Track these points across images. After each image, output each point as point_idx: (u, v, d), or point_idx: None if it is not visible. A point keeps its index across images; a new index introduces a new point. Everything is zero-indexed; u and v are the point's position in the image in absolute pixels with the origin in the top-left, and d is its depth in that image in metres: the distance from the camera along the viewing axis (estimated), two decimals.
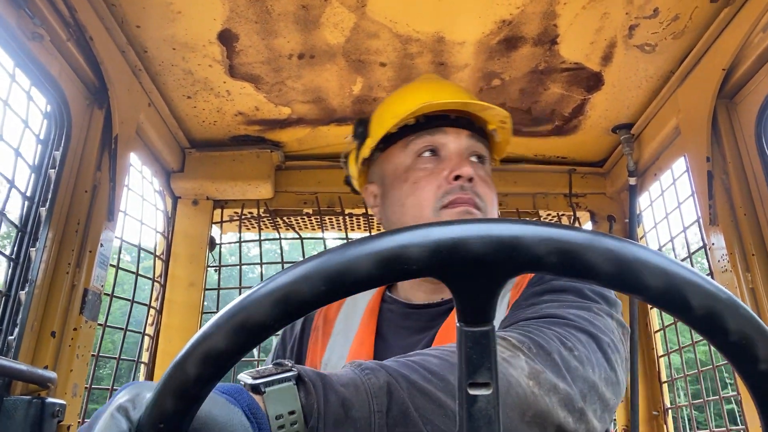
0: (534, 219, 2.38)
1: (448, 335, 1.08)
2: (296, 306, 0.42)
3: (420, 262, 0.41)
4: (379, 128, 1.30)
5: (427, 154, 1.22)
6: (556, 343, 0.82)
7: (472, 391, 0.44)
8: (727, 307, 0.41)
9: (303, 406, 0.56)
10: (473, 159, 1.24)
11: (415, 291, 1.26)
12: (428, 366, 0.68)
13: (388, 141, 1.28)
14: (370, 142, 1.31)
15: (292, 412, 0.55)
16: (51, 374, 1.43)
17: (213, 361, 0.43)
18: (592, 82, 1.98)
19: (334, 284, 0.42)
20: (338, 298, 0.42)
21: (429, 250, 0.41)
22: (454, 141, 1.22)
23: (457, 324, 0.45)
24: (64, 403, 1.43)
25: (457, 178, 1.16)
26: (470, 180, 1.16)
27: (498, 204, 2.47)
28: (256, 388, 0.59)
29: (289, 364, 0.63)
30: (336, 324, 1.28)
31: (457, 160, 1.19)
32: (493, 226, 0.41)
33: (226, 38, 1.76)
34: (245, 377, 0.62)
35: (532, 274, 1.06)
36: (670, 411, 2.20)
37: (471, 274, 0.42)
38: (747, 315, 0.42)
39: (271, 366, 0.64)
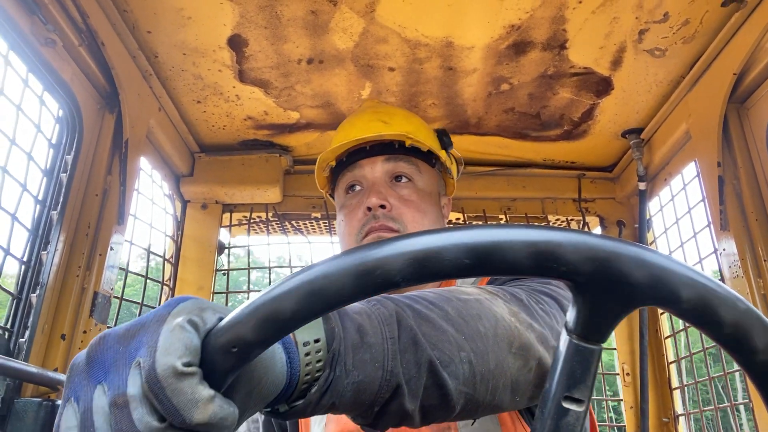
0: (545, 224, 2.36)
1: None
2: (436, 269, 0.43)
3: (570, 265, 0.41)
4: (319, 174, 1.47)
5: (351, 189, 1.37)
6: (525, 296, 0.90)
7: (566, 405, 0.45)
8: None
9: (325, 331, 0.58)
10: (395, 180, 1.34)
11: None
12: (427, 298, 0.73)
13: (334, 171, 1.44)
14: (321, 186, 1.51)
15: (317, 340, 0.57)
16: (61, 377, 1.44)
17: (318, 300, 0.43)
18: (602, 86, 1.97)
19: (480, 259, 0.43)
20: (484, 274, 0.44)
21: (583, 256, 0.41)
22: (369, 172, 1.34)
23: (567, 335, 0.45)
24: None
25: (370, 209, 1.27)
26: (383, 206, 1.26)
27: (506, 209, 2.45)
28: None
29: None
30: None
31: (369, 192, 1.30)
32: (649, 254, 0.42)
33: (236, 43, 1.78)
34: None
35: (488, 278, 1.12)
36: (680, 418, 2.18)
37: (613, 291, 0.42)
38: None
39: None
